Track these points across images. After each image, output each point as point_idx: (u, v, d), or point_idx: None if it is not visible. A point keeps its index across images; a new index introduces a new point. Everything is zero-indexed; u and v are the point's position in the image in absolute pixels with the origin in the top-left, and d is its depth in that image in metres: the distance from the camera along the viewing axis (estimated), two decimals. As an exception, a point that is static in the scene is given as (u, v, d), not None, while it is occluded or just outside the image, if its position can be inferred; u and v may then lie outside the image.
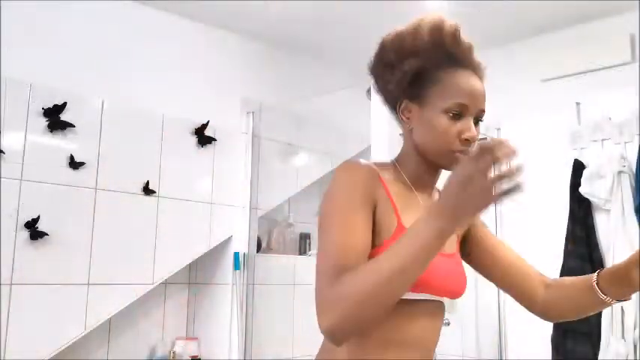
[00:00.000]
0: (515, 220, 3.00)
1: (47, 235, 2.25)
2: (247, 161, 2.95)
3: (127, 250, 2.50)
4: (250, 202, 2.90)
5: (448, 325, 3.19)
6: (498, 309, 2.95)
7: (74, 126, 2.38)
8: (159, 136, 2.68)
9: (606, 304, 1.17)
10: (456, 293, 1.13)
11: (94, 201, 2.42)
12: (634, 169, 2.54)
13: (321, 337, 1.10)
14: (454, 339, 3.16)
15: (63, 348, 2.25)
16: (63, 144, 2.36)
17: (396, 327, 1.03)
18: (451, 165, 1.08)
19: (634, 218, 2.48)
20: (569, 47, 2.88)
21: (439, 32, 1.11)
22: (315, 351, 1.10)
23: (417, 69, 1.09)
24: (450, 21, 1.12)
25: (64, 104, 2.35)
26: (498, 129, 3.11)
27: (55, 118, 2.33)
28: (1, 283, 2.13)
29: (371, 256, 0.99)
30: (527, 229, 2.92)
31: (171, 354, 2.75)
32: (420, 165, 1.13)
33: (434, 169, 1.14)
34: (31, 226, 2.22)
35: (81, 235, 2.37)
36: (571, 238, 2.65)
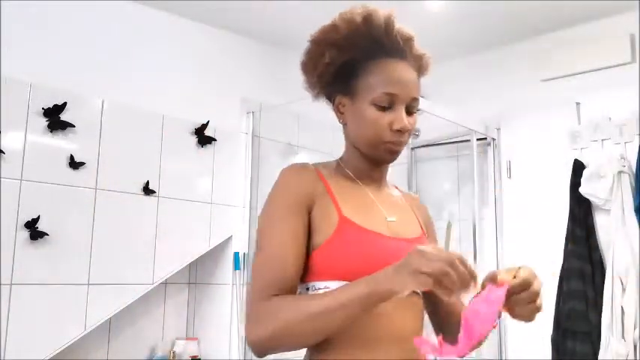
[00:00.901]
0: (515, 220, 3.01)
1: (47, 235, 2.25)
2: (247, 161, 2.95)
3: (127, 250, 2.50)
4: (250, 202, 2.90)
5: (448, 325, 3.20)
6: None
7: (74, 126, 2.38)
8: (159, 136, 2.68)
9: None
10: None
11: (94, 201, 2.42)
12: (634, 169, 2.54)
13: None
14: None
15: (63, 348, 2.25)
16: (63, 144, 2.36)
17: (365, 325, 1.00)
18: (384, 157, 1.09)
19: (634, 218, 2.48)
20: (569, 47, 2.88)
21: (368, 22, 1.08)
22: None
23: (345, 60, 1.08)
24: (383, 11, 1.09)
25: (64, 104, 2.35)
26: (498, 129, 3.12)
27: (55, 118, 2.33)
28: (1, 283, 2.13)
29: (317, 255, 1.02)
30: (528, 229, 2.93)
31: (171, 354, 2.75)
32: (361, 160, 1.14)
33: (374, 163, 1.14)
34: (31, 226, 2.22)
35: (81, 235, 2.37)
36: (571, 238, 2.65)
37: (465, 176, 3.23)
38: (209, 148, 2.85)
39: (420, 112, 3.74)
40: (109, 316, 2.43)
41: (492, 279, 0.93)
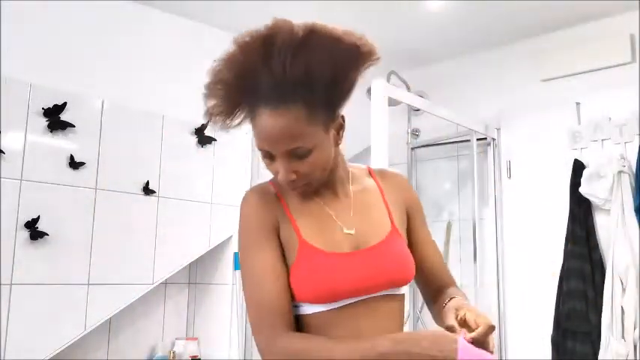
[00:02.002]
0: (515, 220, 3.01)
1: (47, 235, 2.25)
2: (247, 161, 2.95)
3: (127, 250, 2.50)
4: (250, 202, 2.90)
5: (448, 325, 3.19)
6: (498, 309, 2.96)
7: (74, 126, 2.38)
8: (159, 136, 2.68)
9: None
10: (387, 284, 1.07)
11: (94, 201, 2.42)
12: (634, 169, 2.55)
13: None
14: (454, 339, 3.16)
15: (63, 348, 2.25)
16: (63, 144, 2.36)
17: (341, 337, 1.02)
18: (296, 192, 1.07)
19: (634, 218, 2.48)
20: (569, 47, 2.88)
21: (239, 64, 0.98)
22: None
23: (238, 105, 1.02)
24: (256, 36, 0.98)
25: (64, 104, 2.35)
26: (498, 129, 3.12)
27: (55, 118, 2.32)
28: (1, 283, 2.13)
29: (290, 279, 1.04)
30: (528, 229, 2.93)
31: (171, 354, 2.75)
32: None
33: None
34: (31, 226, 2.22)
35: (81, 235, 2.37)
36: (571, 238, 2.65)
37: (465, 176, 3.23)
38: (209, 148, 2.85)
39: (420, 112, 3.75)
40: (109, 316, 2.43)
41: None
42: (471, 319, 0.98)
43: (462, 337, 0.93)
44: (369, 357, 0.93)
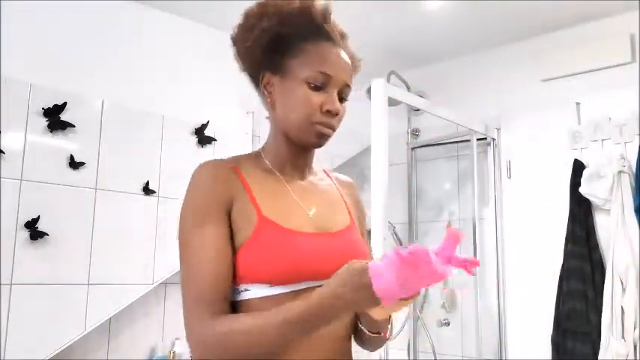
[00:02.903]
0: (515, 220, 3.01)
1: (47, 235, 2.25)
2: (247, 161, 2.94)
3: (127, 250, 2.50)
4: (250, 202, 2.89)
5: (448, 325, 3.20)
6: (498, 309, 2.96)
7: (74, 126, 2.38)
8: (159, 136, 2.68)
9: (373, 338, 1.06)
10: None
11: (94, 201, 2.42)
12: (634, 169, 2.55)
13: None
14: (454, 339, 3.17)
15: (63, 348, 2.25)
16: (63, 144, 2.36)
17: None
18: (313, 140, 1.04)
19: (634, 218, 2.48)
20: (569, 47, 2.88)
21: (308, 5, 1.05)
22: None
23: (279, 33, 1.04)
24: (321, 2, 1.07)
25: (64, 104, 2.35)
26: (498, 129, 3.12)
27: (55, 118, 2.32)
28: (1, 283, 2.13)
29: (237, 258, 0.97)
30: (528, 229, 2.93)
31: (171, 354, 2.75)
32: (285, 146, 1.08)
33: (300, 149, 1.09)
34: (31, 226, 2.22)
35: (81, 235, 2.37)
36: (571, 238, 2.65)
37: (465, 176, 3.23)
38: (209, 148, 2.84)
39: (420, 112, 3.76)
40: (109, 316, 2.43)
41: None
42: None
43: (373, 263, 0.84)
44: (294, 326, 0.88)
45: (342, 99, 1.05)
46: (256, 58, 1.07)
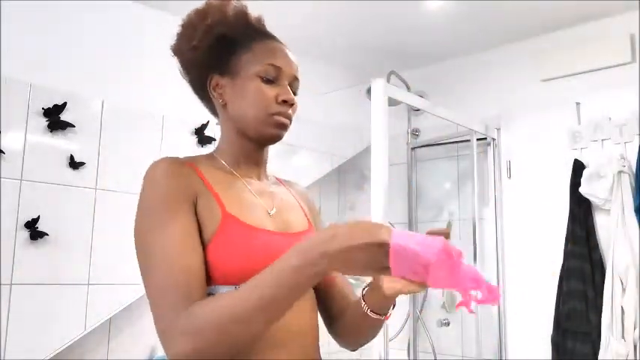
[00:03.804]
0: (515, 220, 3.01)
1: (47, 235, 2.25)
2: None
3: (127, 250, 2.47)
4: (250, 202, 2.89)
5: (448, 325, 3.20)
6: (498, 309, 2.96)
7: (74, 126, 2.38)
8: (159, 136, 2.68)
9: (372, 319, 1.02)
10: None
11: (94, 201, 2.42)
12: (634, 169, 2.55)
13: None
14: (454, 339, 3.17)
15: (63, 348, 2.25)
16: (63, 144, 2.36)
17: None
18: (272, 131, 1.04)
19: (634, 218, 2.48)
20: (569, 47, 2.88)
21: (244, 10, 1.10)
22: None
23: (224, 34, 1.06)
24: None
25: (64, 104, 2.35)
26: (498, 129, 3.12)
27: (55, 118, 2.32)
28: (1, 283, 2.13)
29: (207, 257, 0.92)
30: (528, 229, 2.93)
31: (171, 354, 2.75)
32: (241, 146, 1.08)
33: (256, 147, 1.09)
34: (31, 226, 2.22)
35: (81, 235, 2.37)
36: (571, 238, 2.65)
37: (465, 176, 3.23)
38: (209, 148, 2.84)
39: (420, 112, 3.77)
40: (109, 316, 2.43)
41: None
42: None
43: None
44: (286, 279, 0.80)
45: (293, 91, 1.07)
46: (202, 62, 1.08)
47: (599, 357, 2.44)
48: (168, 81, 2.76)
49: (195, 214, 0.96)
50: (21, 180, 2.23)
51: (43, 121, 2.31)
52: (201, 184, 0.98)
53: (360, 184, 3.38)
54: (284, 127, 1.06)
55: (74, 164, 2.36)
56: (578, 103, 2.80)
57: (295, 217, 1.09)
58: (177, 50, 1.11)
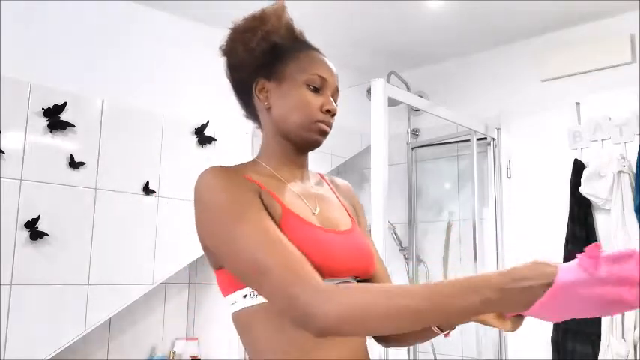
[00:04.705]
0: (515, 220, 3.01)
1: (47, 235, 2.25)
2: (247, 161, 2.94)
3: (127, 250, 2.50)
4: (250, 202, 2.89)
5: (448, 325, 3.20)
6: (498, 309, 2.95)
7: (74, 126, 2.38)
8: (159, 136, 2.68)
9: (431, 333, 1.06)
10: (360, 271, 1.06)
11: (94, 201, 2.42)
12: (634, 169, 2.54)
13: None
14: (454, 339, 3.16)
15: (63, 348, 2.25)
16: (63, 144, 2.36)
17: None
18: (315, 137, 1.09)
19: (634, 218, 2.48)
20: (569, 47, 2.88)
21: (291, 22, 1.16)
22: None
23: (276, 43, 1.11)
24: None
25: (64, 104, 2.35)
26: (498, 129, 3.12)
27: (55, 118, 2.32)
28: (1, 283, 2.13)
29: None
30: (528, 229, 2.93)
31: (171, 354, 2.75)
32: (283, 149, 1.11)
33: (298, 150, 1.12)
34: (31, 226, 2.22)
35: (81, 235, 2.37)
36: (571, 238, 2.65)
37: (465, 176, 3.23)
38: (209, 148, 2.84)
39: (420, 112, 3.77)
40: (109, 316, 2.43)
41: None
42: None
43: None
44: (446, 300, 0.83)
45: (335, 99, 1.12)
46: (252, 65, 1.11)
47: (599, 357, 2.44)
48: (168, 81, 2.77)
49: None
50: (21, 180, 2.23)
51: (43, 121, 2.31)
52: (254, 185, 1.02)
53: (360, 184, 3.37)
54: (326, 134, 1.10)
55: (74, 164, 2.36)
56: (578, 103, 2.80)
57: (338, 215, 1.12)
58: (230, 51, 1.13)
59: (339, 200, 1.19)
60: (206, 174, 1.01)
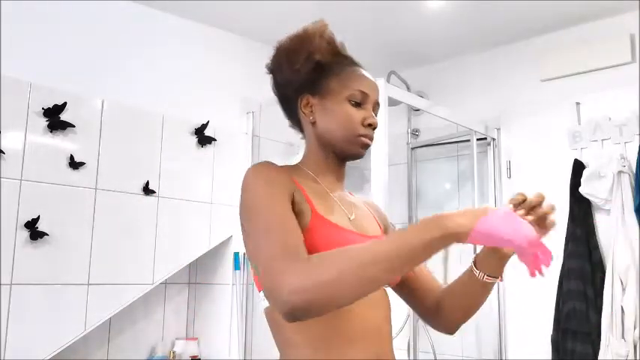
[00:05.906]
0: (515, 220, 3.00)
1: (47, 235, 2.25)
2: (247, 161, 2.94)
3: (127, 250, 2.50)
4: (250, 202, 2.89)
5: (448, 325, 3.19)
6: (498, 309, 2.96)
7: (74, 126, 2.38)
8: (159, 136, 2.68)
9: (483, 284, 1.17)
10: None
11: (94, 201, 2.42)
12: (634, 169, 2.54)
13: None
14: (454, 339, 3.16)
15: (63, 348, 2.25)
16: (63, 144, 2.36)
17: (338, 325, 1.01)
18: (357, 150, 1.15)
19: (634, 218, 2.48)
20: (569, 47, 2.88)
21: (333, 39, 1.21)
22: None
23: (319, 61, 1.15)
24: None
25: (64, 104, 2.35)
26: (498, 129, 3.12)
27: (55, 118, 2.33)
28: (1, 283, 2.13)
29: None
30: (527, 229, 2.92)
31: (171, 354, 2.75)
32: (325, 160, 1.18)
33: (339, 162, 1.20)
34: (31, 226, 2.22)
35: (81, 235, 2.37)
36: (571, 238, 2.65)
37: (465, 176, 3.23)
38: (209, 148, 2.85)
39: (420, 112, 3.76)
40: (109, 316, 2.43)
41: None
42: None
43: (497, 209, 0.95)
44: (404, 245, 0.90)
45: (375, 113, 1.20)
46: (297, 82, 1.16)
47: (599, 357, 2.44)
48: (168, 81, 2.78)
49: (293, 207, 1.05)
50: (21, 180, 2.23)
51: (43, 121, 2.31)
52: (294, 184, 1.09)
53: (360, 184, 3.37)
54: (367, 147, 1.17)
55: (74, 164, 2.36)
56: (578, 103, 2.80)
57: (370, 223, 1.20)
58: (276, 70, 1.20)
59: (369, 211, 1.26)
60: (253, 167, 1.08)
